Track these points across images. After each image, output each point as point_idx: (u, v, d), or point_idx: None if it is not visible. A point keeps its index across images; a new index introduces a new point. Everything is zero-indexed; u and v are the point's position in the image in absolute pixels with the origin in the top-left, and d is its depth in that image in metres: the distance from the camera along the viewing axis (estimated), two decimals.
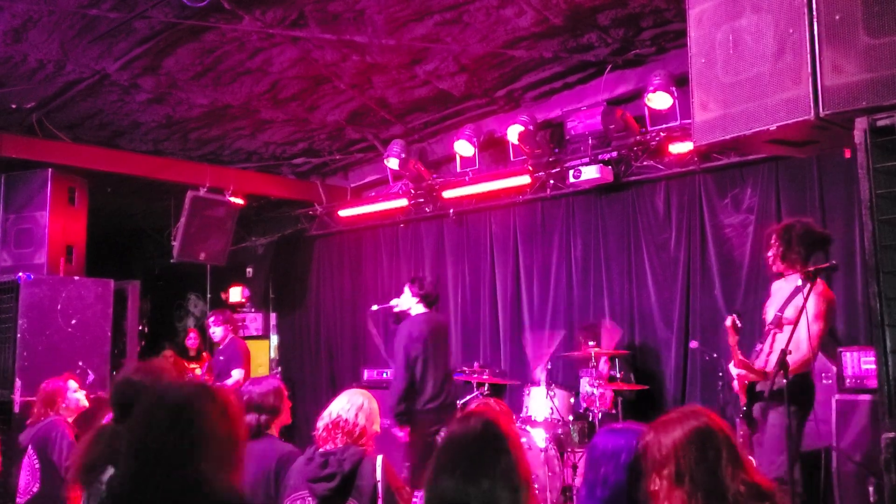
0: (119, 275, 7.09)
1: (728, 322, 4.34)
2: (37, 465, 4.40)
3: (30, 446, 4.47)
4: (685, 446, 2.04)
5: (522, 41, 6.01)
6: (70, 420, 4.66)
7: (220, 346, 7.42)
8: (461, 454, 2.04)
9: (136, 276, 8.08)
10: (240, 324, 8.99)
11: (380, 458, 3.20)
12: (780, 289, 4.46)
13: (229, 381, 6.84)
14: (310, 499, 3.16)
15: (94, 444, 2.92)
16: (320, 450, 3.23)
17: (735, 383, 4.50)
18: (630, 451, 2.29)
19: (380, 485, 3.12)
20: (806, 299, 3.88)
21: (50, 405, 4.65)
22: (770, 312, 4.41)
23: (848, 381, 5.01)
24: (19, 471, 4.53)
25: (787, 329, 4.23)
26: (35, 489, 4.38)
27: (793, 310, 4.25)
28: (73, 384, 4.78)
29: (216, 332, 7.36)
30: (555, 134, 7.17)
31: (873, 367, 4.52)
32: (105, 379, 6.51)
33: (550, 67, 6.63)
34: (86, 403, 4.82)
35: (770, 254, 4.49)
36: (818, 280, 4.02)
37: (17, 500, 4.43)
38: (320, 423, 3.30)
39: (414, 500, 3.97)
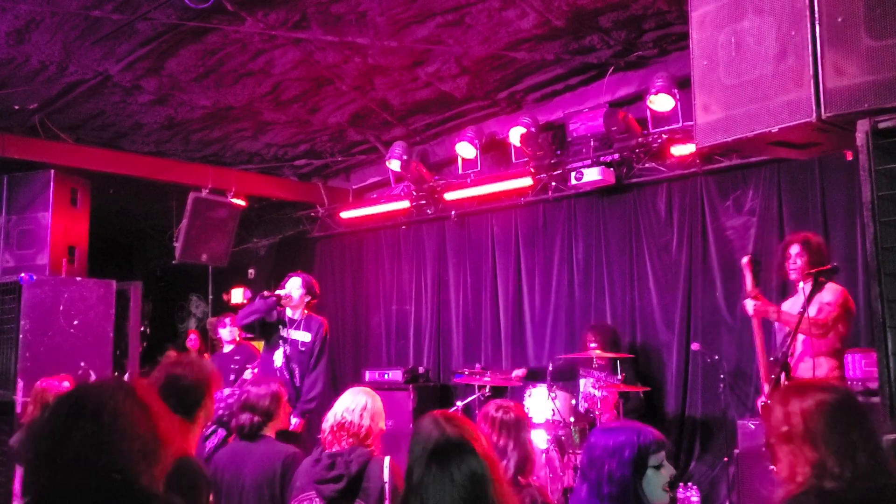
0: (121, 276, 7.09)
1: (745, 261, 4.46)
2: None
3: None
4: (816, 412, 2.10)
5: (524, 43, 6.02)
6: None
7: (233, 348, 7.48)
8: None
9: (138, 278, 8.07)
10: None
11: (387, 460, 3.19)
12: (797, 300, 4.50)
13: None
14: (317, 500, 3.17)
15: None
16: (327, 451, 3.23)
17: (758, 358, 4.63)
18: (633, 446, 2.31)
19: (387, 486, 3.12)
20: (808, 302, 3.91)
21: (41, 405, 4.61)
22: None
23: (850, 383, 5.01)
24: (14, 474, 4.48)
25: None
26: None
27: (815, 308, 4.32)
28: (67, 385, 4.66)
29: (232, 332, 7.45)
30: (557, 136, 7.17)
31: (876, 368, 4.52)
32: None
33: (552, 69, 6.63)
34: None
35: (798, 263, 4.50)
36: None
37: None
38: (325, 425, 3.30)
39: None
